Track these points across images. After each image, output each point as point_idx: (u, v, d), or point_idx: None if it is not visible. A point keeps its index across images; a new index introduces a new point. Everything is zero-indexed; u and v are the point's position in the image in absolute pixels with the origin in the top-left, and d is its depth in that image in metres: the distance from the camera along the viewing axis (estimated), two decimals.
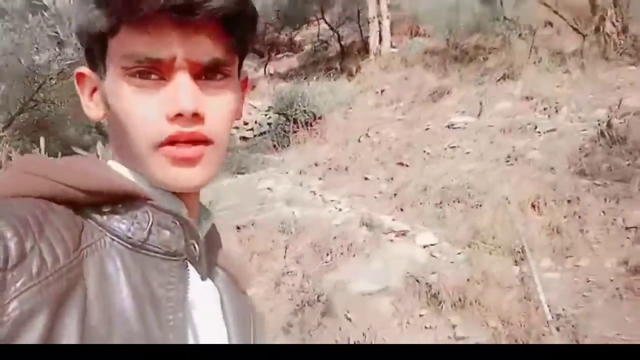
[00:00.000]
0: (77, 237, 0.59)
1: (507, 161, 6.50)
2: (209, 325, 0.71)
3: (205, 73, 0.66)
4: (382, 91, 10.85)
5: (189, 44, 0.63)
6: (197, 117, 0.64)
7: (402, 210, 6.11)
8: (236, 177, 7.75)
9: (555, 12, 9.83)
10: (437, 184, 6.30)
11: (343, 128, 8.71)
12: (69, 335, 0.55)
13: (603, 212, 5.26)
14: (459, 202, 5.92)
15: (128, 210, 0.64)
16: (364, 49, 12.50)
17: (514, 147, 6.80)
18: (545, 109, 8.44)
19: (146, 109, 0.64)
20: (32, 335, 0.52)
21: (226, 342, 0.73)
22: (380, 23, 11.82)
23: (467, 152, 7.11)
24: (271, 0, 13.55)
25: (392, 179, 6.94)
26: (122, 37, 0.63)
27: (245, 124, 10.98)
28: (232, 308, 0.76)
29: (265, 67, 14.84)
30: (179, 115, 0.63)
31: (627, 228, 5.00)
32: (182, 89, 0.63)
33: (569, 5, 10.54)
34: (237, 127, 10.28)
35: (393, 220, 5.82)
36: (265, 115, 10.73)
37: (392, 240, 5.26)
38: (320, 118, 9.07)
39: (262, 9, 12.80)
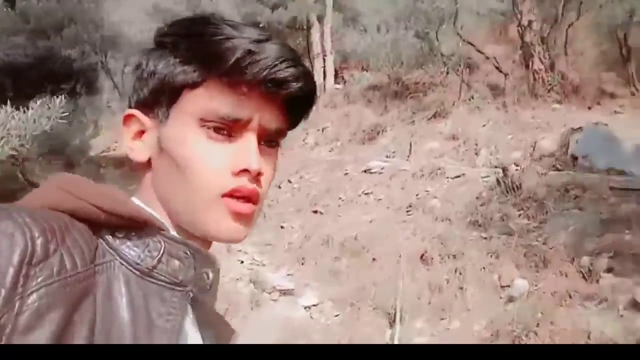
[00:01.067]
0: (92, 252, 0.62)
1: (407, 210, 6.53)
2: None
3: (265, 139, 0.72)
4: (324, 129, 10.92)
5: (265, 112, 0.70)
6: (258, 176, 0.70)
7: (302, 264, 6.13)
8: None
9: (478, 51, 9.90)
10: (339, 235, 6.32)
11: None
12: (80, 335, 0.58)
13: (483, 268, 5.28)
14: (357, 255, 5.94)
15: (140, 237, 0.67)
16: None
17: (417, 194, 6.83)
18: (466, 150, 8.50)
19: (216, 160, 0.69)
20: (46, 330, 0.55)
21: None
22: (324, 59, 11.88)
23: (379, 199, 7.15)
24: None
25: (302, 228, 6.96)
26: (206, 92, 0.69)
27: None
28: None
29: None
30: (245, 171, 0.69)
31: (502, 286, 5.03)
32: (251, 149, 0.69)
33: (499, 41, 10.65)
34: None
35: (289, 274, 5.84)
36: None
37: (275, 300, 5.27)
38: None
39: None
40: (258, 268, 6.02)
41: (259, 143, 0.71)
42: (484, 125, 8.98)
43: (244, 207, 0.69)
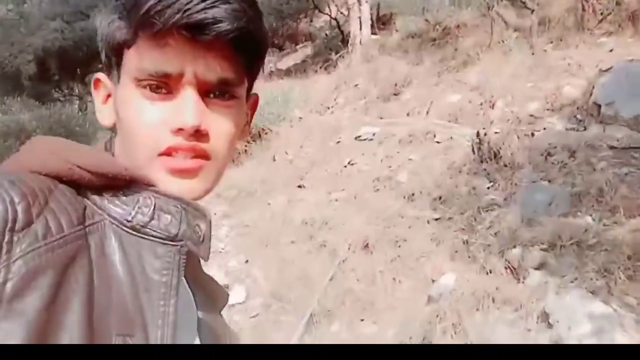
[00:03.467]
0: (80, 213, 0.60)
1: (374, 186, 5.81)
2: (186, 323, 0.69)
3: (213, 92, 0.67)
4: (356, 85, 10.18)
5: (199, 63, 0.64)
6: (199, 132, 0.65)
7: (258, 249, 5.72)
8: None
9: None
10: (304, 216, 5.80)
11: (278, 143, 8.27)
12: (76, 296, 0.55)
13: (422, 256, 4.53)
14: (309, 240, 5.42)
15: (129, 195, 0.64)
16: (343, 39, 11.74)
17: (393, 165, 6.05)
18: (482, 103, 7.40)
19: (151, 119, 0.65)
20: (36, 294, 0.52)
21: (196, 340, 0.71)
22: (360, 8, 10.98)
23: (361, 171, 6.45)
24: None
25: (281, 205, 6.51)
26: (137, 50, 0.65)
27: None
28: (208, 325, 0.74)
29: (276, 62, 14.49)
30: (182, 129, 0.64)
31: (433, 280, 4.27)
32: (187, 105, 0.64)
33: None
34: None
35: (238, 263, 5.47)
36: None
37: None
38: (268, 131, 8.67)
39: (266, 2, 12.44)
40: (216, 254, 5.70)
41: (205, 96, 0.66)
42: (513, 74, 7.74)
43: (185, 163, 0.65)
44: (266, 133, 8.68)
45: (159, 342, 0.59)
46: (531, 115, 6.65)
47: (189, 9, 0.60)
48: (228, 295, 0.83)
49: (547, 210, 4.37)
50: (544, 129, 5.70)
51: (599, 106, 6.25)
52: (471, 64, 8.56)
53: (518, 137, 5.31)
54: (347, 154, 6.92)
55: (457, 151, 5.81)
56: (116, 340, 0.57)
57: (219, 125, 0.67)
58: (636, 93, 6.12)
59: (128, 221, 0.63)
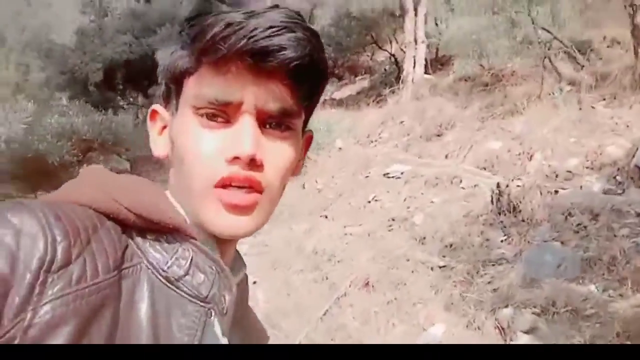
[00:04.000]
0: (119, 256, 0.58)
1: (389, 225, 5.70)
2: None
3: (270, 122, 0.65)
4: (401, 122, 10.13)
5: (260, 91, 0.63)
6: (254, 162, 0.63)
7: (267, 272, 5.70)
8: None
9: (555, 38, 8.25)
10: (318, 246, 5.76)
11: (313, 171, 8.30)
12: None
13: (419, 302, 4.39)
14: (316, 269, 5.37)
15: (171, 242, 0.63)
16: (398, 76, 11.73)
17: (409, 207, 5.93)
18: (519, 154, 7.17)
19: (208, 148, 0.63)
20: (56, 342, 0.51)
21: None
22: (415, 48, 10.97)
23: (382, 208, 6.36)
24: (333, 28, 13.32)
25: (304, 233, 6.49)
26: (198, 78, 0.64)
27: None
28: None
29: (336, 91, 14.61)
30: (237, 158, 0.62)
31: (424, 329, 4.12)
32: (245, 133, 0.62)
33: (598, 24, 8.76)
34: None
35: (253, 283, 5.46)
36: None
37: None
38: (307, 158, 8.70)
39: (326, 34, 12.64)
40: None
41: (263, 127, 0.64)
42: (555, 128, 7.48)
43: (239, 198, 0.62)
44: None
45: None
46: (569, 172, 6.40)
47: (254, 35, 0.59)
48: (269, 337, 0.79)
49: (555, 273, 4.15)
50: (580, 187, 5.44)
51: None
52: (517, 112, 8.34)
53: (541, 193, 5.08)
54: (372, 189, 6.85)
55: (479, 199, 5.64)
56: None
57: (275, 156, 0.65)
58: None
59: (164, 270, 0.61)
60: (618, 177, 6.14)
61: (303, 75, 0.63)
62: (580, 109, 7.42)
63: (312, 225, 6.58)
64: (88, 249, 0.54)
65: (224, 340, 0.66)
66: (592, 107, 7.40)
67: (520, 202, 5.02)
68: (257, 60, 0.60)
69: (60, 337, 0.50)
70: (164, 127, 0.70)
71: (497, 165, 7.12)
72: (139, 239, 0.61)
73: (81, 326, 0.52)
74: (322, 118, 9.87)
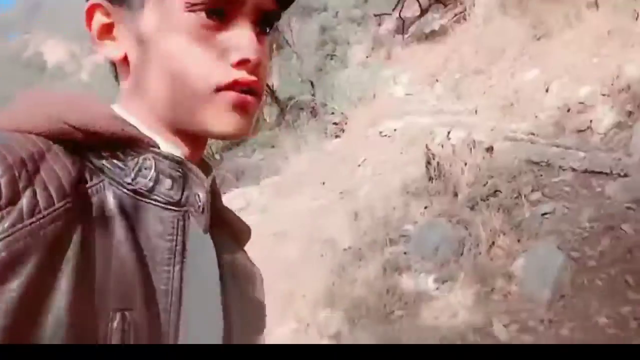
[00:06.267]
0: (75, 178, 0.53)
1: (340, 193, 5.42)
2: (204, 283, 0.63)
3: (261, 23, 0.62)
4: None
5: None
6: (258, 67, 0.60)
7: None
8: None
9: None
10: (293, 219, 5.77)
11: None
12: (64, 277, 0.49)
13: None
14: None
15: (128, 155, 0.58)
16: None
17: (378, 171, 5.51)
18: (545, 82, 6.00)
19: (210, 50, 0.58)
20: (16, 282, 0.46)
21: (219, 301, 0.65)
22: None
23: (367, 175, 6.00)
24: None
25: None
26: None
27: None
28: (232, 266, 0.69)
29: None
30: (245, 61, 0.59)
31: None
32: (250, 36, 0.59)
33: None
34: None
35: None
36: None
37: None
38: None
39: None
40: None
41: (254, 27, 0.61)
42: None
43: (248, 98, 0.60)
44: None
45: (161, 311, 0.56)
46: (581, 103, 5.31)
47: None
48: (250, 229, 0.76)
49: (431, 255, 3.70)
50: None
51: None
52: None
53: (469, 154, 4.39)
54: (364, 151, 6.44)
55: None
56: (113, 317, 0.52)
57: (264, 60, 0.62)
58: None
59: (128, 184, 0.57)
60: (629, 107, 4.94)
61: None
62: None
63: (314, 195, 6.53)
64: (37, 178, 0.49)
65: (207, 239, 0.63)
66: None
67: (451, 165, 4.41)
68: None
69: (23, 273, 0.46)
70: (110, 26, 0.62)
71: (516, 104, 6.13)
72: (94, 159, 0.57)
73: (44, 259, 0.48)
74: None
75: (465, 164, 4.38)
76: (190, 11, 0.57)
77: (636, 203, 3.25)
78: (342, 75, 9.23)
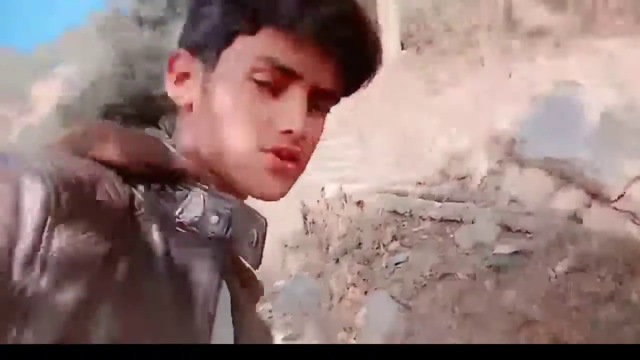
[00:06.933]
0: (126, 205, 0.55)
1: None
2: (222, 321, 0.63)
3: (315, 100, 0.64)
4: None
5: (317, 69, 0.63)
6: (304, 139, 0.64)
7: None
8: None
9: None
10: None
11: None
12: (110, 293, 0.50)
13: None
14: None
15: (177, 190, 0.60)
16: None
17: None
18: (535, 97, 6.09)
19: (260, 114, 0.62)
20: (72, 290, 0.48)
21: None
22: None
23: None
24: None
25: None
26: (258, 38, 0.62)
27: None
28: (245, 314, 0.69)
29: None
30: (290, 132, 0.62)
31: None
32: (300, 108, 0.62)
33: None
34: None
35: None
36: None
37: None
38: None
39: None
40: None
41: (308, 102, 0.63)
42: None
43: (288, 164, 0.63)
44: None
45: (199, 342, 0.57)
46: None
47: (334, 23, 0.61)
48: (263, 287, 0.77)
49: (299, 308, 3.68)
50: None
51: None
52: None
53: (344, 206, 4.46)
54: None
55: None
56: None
57: (312, 134, 0.65)
58: (557, 126, 4.69)
59: (175, 217, 0.59)
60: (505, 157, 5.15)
61: (358, 66, 0.65)
62: (483, 64, 6.20)
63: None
64: (92, 199, 0.52)
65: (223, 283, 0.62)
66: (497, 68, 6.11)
67: (325, 219, 4.46)
68: (329, 45, 0.61)
69: (73, 289, 0.48)
70: (186, 75, 0.67)
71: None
72: (142, 189, 0.58)
73: (92, 276, 0.49)
74: None
75: (338, 217, 4.45)
76: (250, 76, 0.61)
77: (474, 248, 3.34)
78: None
